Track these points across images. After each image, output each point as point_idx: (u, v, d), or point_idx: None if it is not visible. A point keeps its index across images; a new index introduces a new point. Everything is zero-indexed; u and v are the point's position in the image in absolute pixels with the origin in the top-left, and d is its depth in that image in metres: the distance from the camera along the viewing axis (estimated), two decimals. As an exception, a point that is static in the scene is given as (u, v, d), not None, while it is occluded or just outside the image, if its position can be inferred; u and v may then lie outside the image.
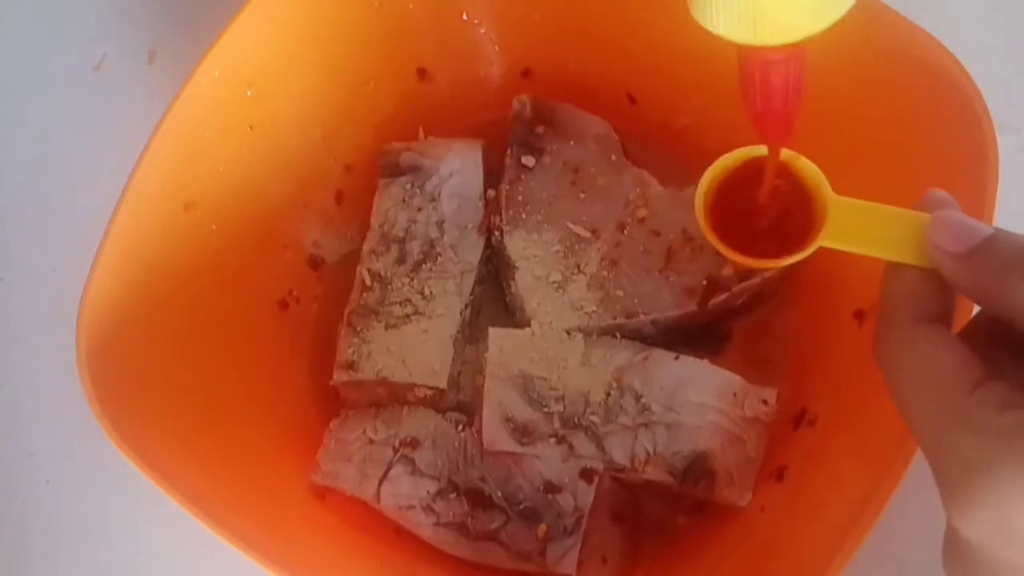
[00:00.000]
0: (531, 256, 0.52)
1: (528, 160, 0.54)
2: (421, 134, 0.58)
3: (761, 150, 0.36)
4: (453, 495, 0.48)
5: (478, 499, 0.48)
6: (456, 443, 0.49)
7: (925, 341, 0.31)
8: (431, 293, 0.52)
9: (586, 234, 0.53)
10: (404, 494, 0.48)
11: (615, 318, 0.51)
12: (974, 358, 0.30)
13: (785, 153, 0.36)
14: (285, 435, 0.51)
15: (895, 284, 0.33)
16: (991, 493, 0.27)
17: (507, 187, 0.54)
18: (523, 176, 0.54)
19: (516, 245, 0.53)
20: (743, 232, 0.37)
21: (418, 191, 0.55)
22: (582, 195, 0.54)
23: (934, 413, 0.29)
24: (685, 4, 0.32)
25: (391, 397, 0.51)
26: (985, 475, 0.27)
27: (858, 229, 0.34)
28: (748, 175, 0.37)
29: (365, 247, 0.54)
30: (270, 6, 0.49)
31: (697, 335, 0.52)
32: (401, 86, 0.57)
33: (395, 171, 0.55)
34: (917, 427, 0.30)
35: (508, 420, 0.48)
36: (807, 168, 0.36)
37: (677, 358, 0.49)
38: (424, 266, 0.53)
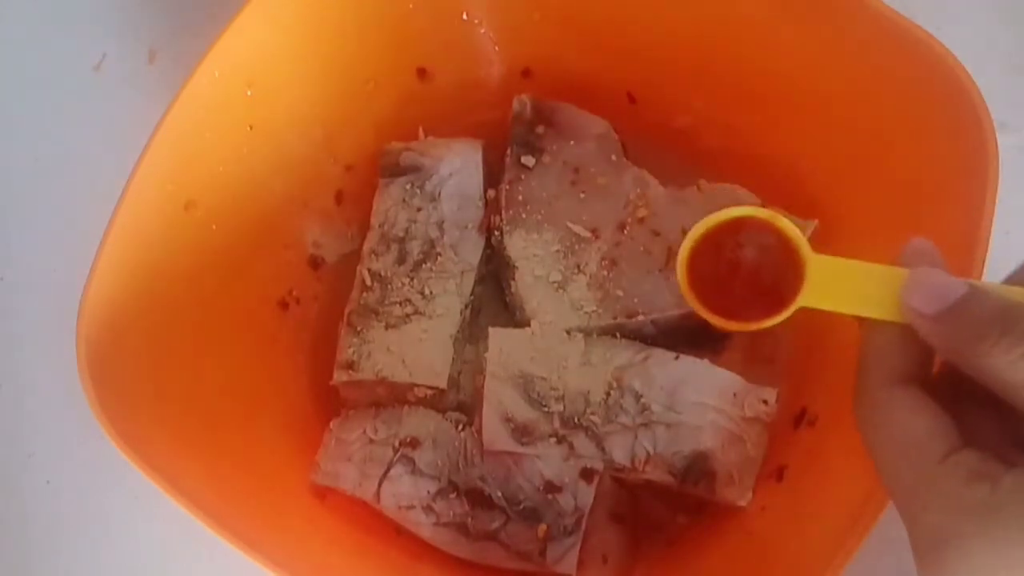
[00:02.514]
0: (531, 256, 0.52)
1: (528, 160, 0.54)
2: (421, 134, 0.58)
3: (742, 210, 0.36)
4: (453, 495, 0.48)
5: (478, 499, 0.48)
6: (456, 443, 0.49)
7: (900, 407, 0.31)
8: (431, 293, 0.52)
9: (586, 234, 0.53)
10: (404, 494, 0.48)
11: (615, 318, 0.51)
12: (948, 423, 0.30)
13: (765, 212, 0.36)
14: (285, 435, 0.51)
15: (871, 344, 0.33)
16: (957, 567, 0.27)
17: (507, 187, 0.54)
18: (523, 176, 0.54)
19: (516, 245, 0.53)
20: (724, 291, 0.37)
21: (418, 191, 0.55)
22: (582, 195, 0.54)
23: (907, 481, 0.30)
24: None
25: (391, 397, 0.51)
26: (953, 550, 0.27)
27: (837, 287, 0.34)
28: (729, 235, 0.37)
29: (365, 247, 0.54)
30: (270, 6, 0.49)
31: (697, 335, 0.52)
32: (401, 86, 0.57)
33: (395, 171, 0.55)
34: (892, 491, 0.30)
35: (508, 420, 0.48)
36: (787, 228, 0.36)
37: (677, 358, 0.49)
38: (424, 266, 0.53)
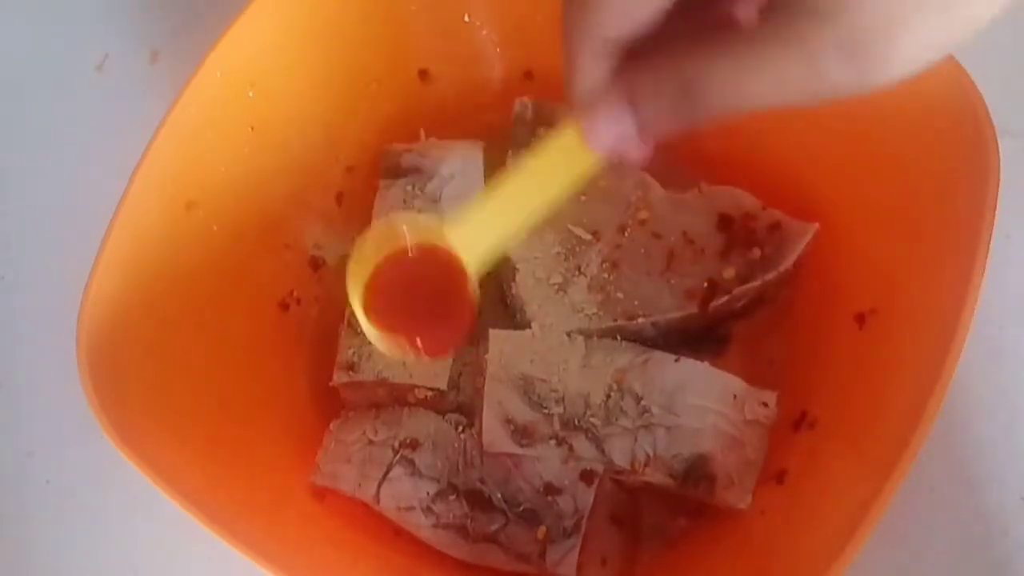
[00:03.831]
0: (532, 258, 0.52)
1: (529, 162, 0.54)
2: (422, 135, 0.58)
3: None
4: (453, 496, 0.48)
5: (478, 501, 0.48)
6: (456, 444, 0.49)
7: None
8: (432, 294, 0.52)
9: (587, 236, 0.53)
10: (404, 495, 0.48)
11: (616, 320, 0.50)
12: None
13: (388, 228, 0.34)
14: (285, 436, 0.51)
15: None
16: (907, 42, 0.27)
17: (508, 189, 0.54)
18: (524, 178, 0.54)
19: (517, 247, 0.52)
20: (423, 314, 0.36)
21: (419, 193, 0.55)
22: (583, 197, 0.54)
23: None
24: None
25: (391, 398, 0.51)
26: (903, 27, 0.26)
27: (489, 231, 0.34)
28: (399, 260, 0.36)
29: (366, 248, 0.54)
30: (272, 7, 0.49)
31: (698, 337, 0.52)
32: (403, 87, 0.57)
33: (396, 172, 0.55)
34: None
35: (508, 422, 0.48)
36: (426, 232, 0.34)
37: (677, 360, 0.49)
38: (425, 267, 0.53)
